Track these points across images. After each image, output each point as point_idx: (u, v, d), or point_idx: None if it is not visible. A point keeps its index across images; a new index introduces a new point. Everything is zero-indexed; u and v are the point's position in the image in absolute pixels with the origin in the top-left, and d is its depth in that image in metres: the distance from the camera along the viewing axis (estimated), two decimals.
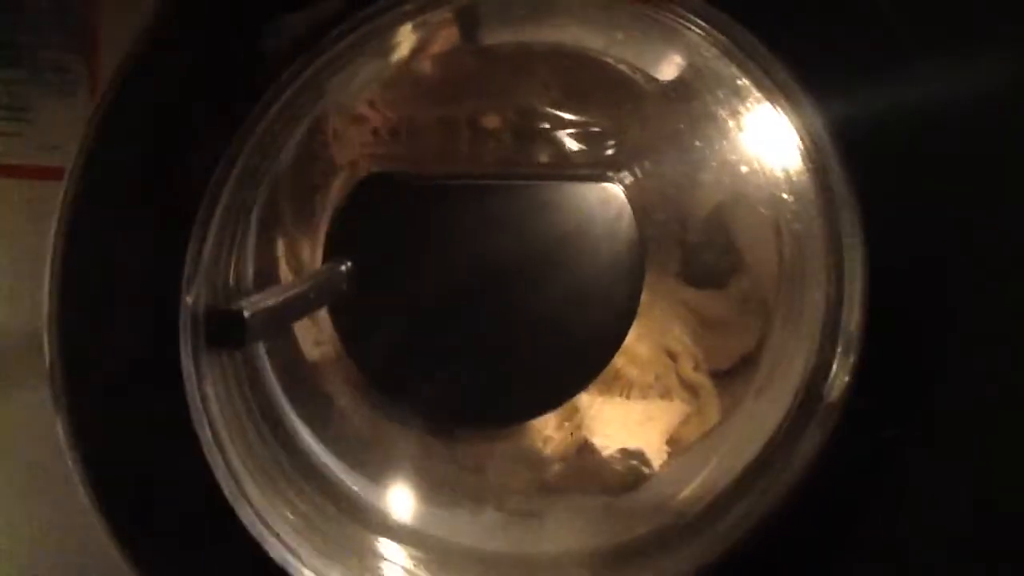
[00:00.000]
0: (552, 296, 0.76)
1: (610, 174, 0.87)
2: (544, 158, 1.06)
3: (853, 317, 0.66)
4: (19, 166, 0.62)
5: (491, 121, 1.08)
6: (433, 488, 0.78)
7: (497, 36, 0.74)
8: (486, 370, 0.75)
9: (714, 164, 1.00)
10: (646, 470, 0.77)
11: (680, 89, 0.78)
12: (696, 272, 1.06)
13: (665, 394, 0.91)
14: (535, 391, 0.79)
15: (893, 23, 0.56)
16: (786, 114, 0.66)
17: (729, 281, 1.06)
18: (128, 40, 0.60)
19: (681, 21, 0.66)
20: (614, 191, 0.84)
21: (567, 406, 0.86)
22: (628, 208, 0.83)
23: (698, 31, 0.66)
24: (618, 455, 0.77)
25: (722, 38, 0.65)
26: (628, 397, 0.88)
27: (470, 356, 0.74)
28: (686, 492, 0.74)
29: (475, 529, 0.75)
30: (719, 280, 1.06)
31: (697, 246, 1.08)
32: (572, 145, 1.10)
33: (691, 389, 0.92)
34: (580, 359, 0.80)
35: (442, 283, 0.74)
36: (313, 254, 1.09)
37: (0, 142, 0.62)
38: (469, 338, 0.74)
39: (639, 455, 0.77)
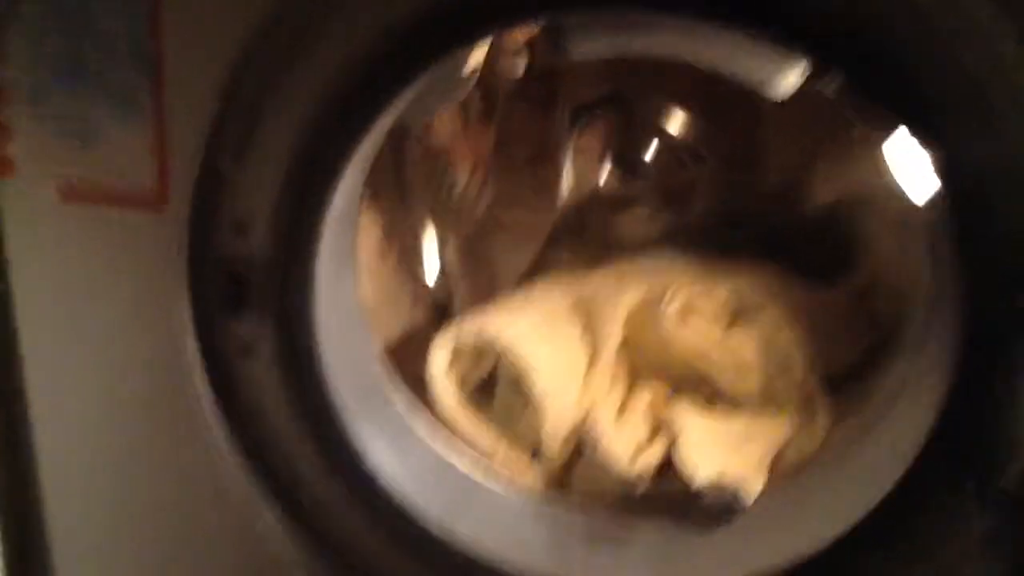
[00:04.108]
0: None
1: None
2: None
3: None
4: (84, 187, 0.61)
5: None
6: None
7: (587, 49, 0.67)
8: None
9: (832, 167, 0.92)
10: (741, 503, 0.72)
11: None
12: (809, 269, 0.98)
13: (769, 406, 0.85)
14: None
15: None
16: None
17: (841, 280, 0.97)
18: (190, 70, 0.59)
19: None
20: None
21: (659, 419, 0.81)
22: None
23: None
24: (709, 486, 0.72)
25: None
26: (727, 412, 0.83)
27: None
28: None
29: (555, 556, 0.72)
30: (832, 278, 0.98)
31: (812, 243, 1.00)
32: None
33: (801, 401, 0.86)
34: None
35: None
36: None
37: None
38: None
39: (731, 490, 0.72)
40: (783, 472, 0.77)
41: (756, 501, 0.71)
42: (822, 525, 0.64)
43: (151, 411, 0.66)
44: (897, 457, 0.62)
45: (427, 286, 1.08)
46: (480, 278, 1.10)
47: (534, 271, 1.07)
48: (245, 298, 0.63)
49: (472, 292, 1.09)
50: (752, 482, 0.74)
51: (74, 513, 0.67)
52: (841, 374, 0.86)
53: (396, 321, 0.95)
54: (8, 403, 0.66)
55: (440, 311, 1.09)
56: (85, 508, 0.67)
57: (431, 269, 1.10)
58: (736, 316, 0.89)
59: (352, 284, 0.75)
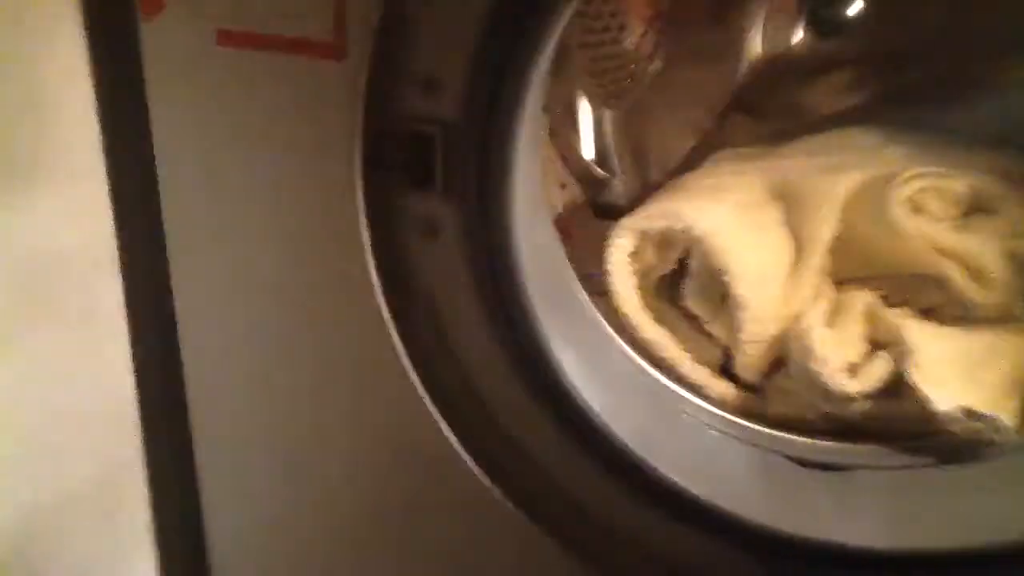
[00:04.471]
0: None
1: None
2: None
3: None
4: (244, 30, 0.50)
5: None
6: None
7: None
8: None
9: None
10: (996, 437, 0.60)
11: None
12: None
13: (1006, 319, 0.72)
14: None
15: None
16: None
17: None
18: None
19: None
20: None
21: (885, 329, 0.69)
22: None
23: None
24: (954, 414, 0.61)
25: None
26: (960, 325, 0.70)
27: None
28: None
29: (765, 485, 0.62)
30: None
31: None
32: None
33: None
34: None
35: None
36: None
37: None
38: None
39: (983, 420, 0.60)
40: None
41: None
42: None
43: (312, 296, 0.56)
44: None
45: (580, 163, 0.97)
46: (643, 153, 0.97)
47: (704, 147, 0.94)
48: (432, 167, 0.52)
49: (633, 170, 0.97)
50: (1007, 411, 0.62)
51: (222, 404, 0.60)
52: None
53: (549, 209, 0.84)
54: (150, 277, 0.57)
55: (594, 193, 0.98)
56: (230, 400, 0.59)
57: (584, 144, 0.98)
58: (972, 211, 0.75)
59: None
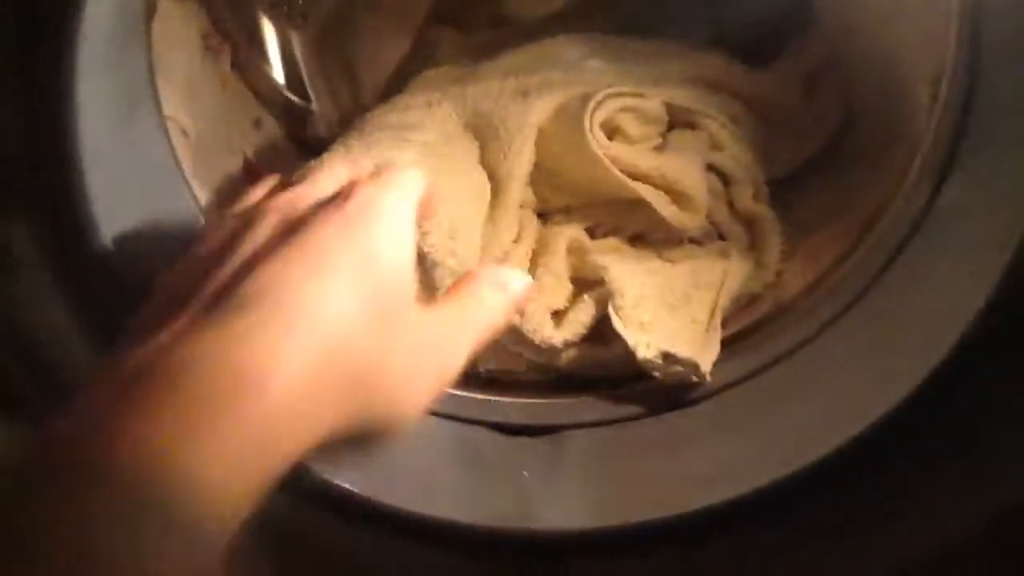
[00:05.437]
0: None
1: None
2: None
3: None
4: None
5: None
6: None
7: None
8: None
9: None
10: (699, 377, 0.57)
11: None
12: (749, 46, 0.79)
13: (711, 239, 0.69)
14: None
15: None
16: None
17: (790, 56, 0.78)
18: None
19: None
20: None
21: (590, 267, 0.64)
22: None
23: None
24: (658, 358, 0.57)
25: None
26: (665, 254, 0.67)
27: None
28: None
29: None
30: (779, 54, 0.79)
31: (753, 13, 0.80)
32: None
33: (750, 225, 0.70)
34: None
35: None
36: None
37: None
38: None
39: (687, 361, 0.57)
40: (740, 329, 0.63)
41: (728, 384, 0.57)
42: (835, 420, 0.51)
43: None
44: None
45: (274, 94, 0.85)
46: (346, 77, 0.87)
47: (410, 66, 0.85)
48: None
49: (334, 98, 0.87)
50: (710, 347, 0.59)
51: None
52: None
53: (233, 159, 0.73)
54: None
55: (295, 127, 0.87)
56: None
57: (276, 73, 0.86)
58: (672, 126, 0.71)
59: (155, 125, 0.52)
